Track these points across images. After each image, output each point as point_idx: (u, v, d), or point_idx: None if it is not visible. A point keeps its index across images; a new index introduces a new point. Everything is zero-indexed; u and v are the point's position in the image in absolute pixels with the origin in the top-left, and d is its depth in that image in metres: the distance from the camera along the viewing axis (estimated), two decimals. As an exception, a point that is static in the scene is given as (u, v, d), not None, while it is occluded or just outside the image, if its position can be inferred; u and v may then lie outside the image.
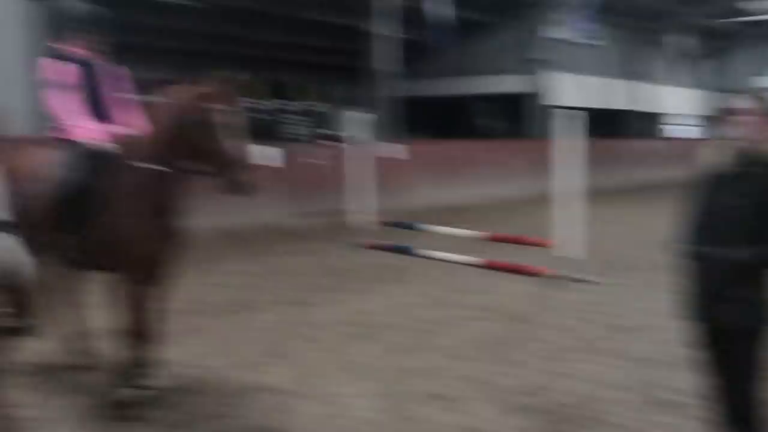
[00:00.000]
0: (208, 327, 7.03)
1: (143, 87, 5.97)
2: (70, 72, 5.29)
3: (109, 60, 5.54)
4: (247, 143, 4.83)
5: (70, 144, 5.18)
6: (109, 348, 5.18)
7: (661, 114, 35.82)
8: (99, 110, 5.36)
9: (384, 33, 20.78)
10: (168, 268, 5.09)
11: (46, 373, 5.54)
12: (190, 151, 4.87)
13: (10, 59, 12.24)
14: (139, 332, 4.95)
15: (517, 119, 27.03)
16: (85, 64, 5.36)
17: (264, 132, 20.81)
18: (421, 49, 24.36)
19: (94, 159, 5.08)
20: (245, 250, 11.42)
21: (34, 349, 5.06)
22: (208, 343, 6.52)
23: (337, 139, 15.83)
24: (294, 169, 14.51)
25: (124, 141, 5.16)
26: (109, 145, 5.13)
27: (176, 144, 4.90)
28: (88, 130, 5.20)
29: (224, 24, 22.05)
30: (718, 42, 36.39)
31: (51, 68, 5.26)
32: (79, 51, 5.40)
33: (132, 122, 5.41)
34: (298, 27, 23.24)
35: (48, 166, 5.18)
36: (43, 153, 5.33)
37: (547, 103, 25.19)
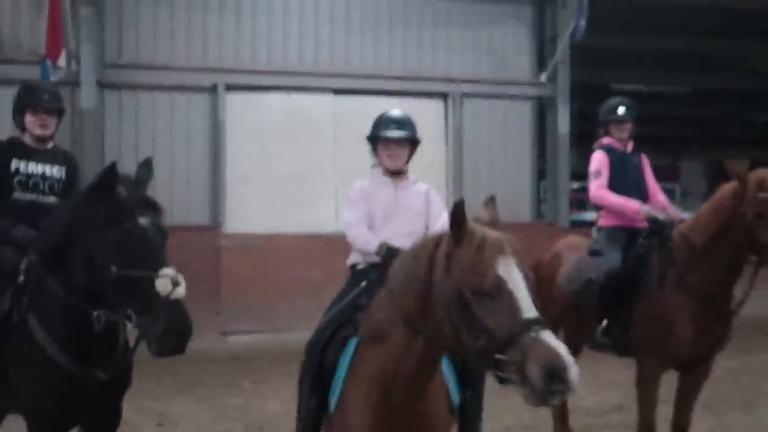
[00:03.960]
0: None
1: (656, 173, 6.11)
2: (601, 159, 5.59)
3: (632, 147, 5.79)
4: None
5: (615, 229, 5.42)
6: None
7: None
8: (632, 195, 5.54)
9: None
10: (707, 356, 4.94)
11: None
12: (741, 238, 4.80)
13: (520, 150, 13.13)
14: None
15: None
16: (614, 152, 5.64)
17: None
18: None
19: (644, 239, 5.18)
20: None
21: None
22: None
23: None
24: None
25: (671, 223, 5.27)
26: (664, 225, 5.25)
27: (728, 231, 4.84)
28: (632, 213, 5.39)
29: (712, 106, 21.21)
30: None
31: (594, 159, 5.64)
32: (609, 141, 5.71)
33: (661, 206, 5.53)
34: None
35: (587, 251, 5.48)
36: (580, 240, 5.71)
37: None
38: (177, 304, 3.31)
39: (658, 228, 5.22)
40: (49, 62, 9.70)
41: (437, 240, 3.08)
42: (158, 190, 11.69)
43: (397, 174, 4.33)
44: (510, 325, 2.69)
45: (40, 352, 3.65)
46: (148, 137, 11.36)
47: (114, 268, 3.36)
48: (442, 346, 3.07)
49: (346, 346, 3.53)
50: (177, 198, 11.27)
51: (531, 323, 2.67)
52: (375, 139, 4.33)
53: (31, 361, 3.68)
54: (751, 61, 17.73)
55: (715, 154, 24.04)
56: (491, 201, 3.19)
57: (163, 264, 3.37)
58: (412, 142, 4.36)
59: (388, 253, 3.83)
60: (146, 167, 3.74)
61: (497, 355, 2.68)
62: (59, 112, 4.46)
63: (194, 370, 8.63)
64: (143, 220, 3.47)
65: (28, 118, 4.32)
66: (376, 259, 3.99)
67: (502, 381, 2.72)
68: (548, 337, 2.65)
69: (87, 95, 10.76)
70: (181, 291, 3.32)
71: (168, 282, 3.29)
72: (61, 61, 9.86)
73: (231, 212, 11.64)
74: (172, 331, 3.28)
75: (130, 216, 3.45)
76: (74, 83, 10.63)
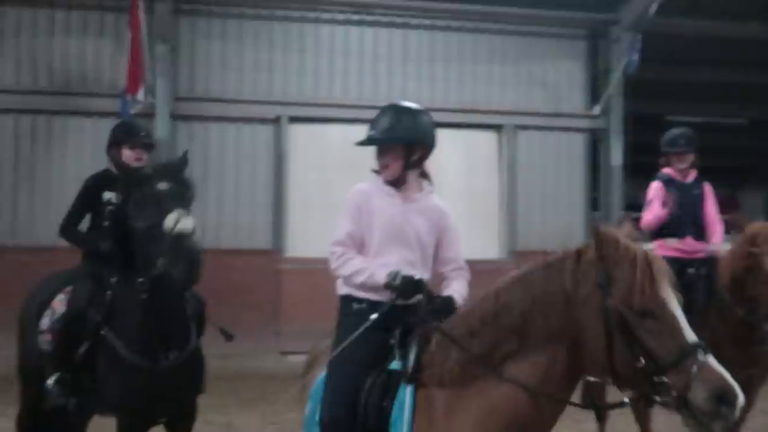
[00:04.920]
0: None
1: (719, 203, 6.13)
2: (657, 189, 5.70)
3: (697, 177, 5.84)
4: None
5: (667, 259, 5.55)
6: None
7: None
8: (690, 226, 5.65)
9: None
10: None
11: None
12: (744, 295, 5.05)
13: (573, 181, 13.27)
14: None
15: None
16: (673, 183, 5.73)
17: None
18: None
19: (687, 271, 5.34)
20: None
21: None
22: None
23: None
24: None
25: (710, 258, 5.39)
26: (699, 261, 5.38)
27: (736, 286, 5.10)
28: (676, 247, 5.54)
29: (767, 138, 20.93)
30: None
31: (651, 189, 5.76)
32: (668, 171, 5.82)
33: (718, 239, 5.63)
34: None
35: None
36: None
37: None
38: (180, 237, 3.75)
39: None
40: (129, 96, 10.32)
41: (573, 257, 2.84)
42: (224, 214, 12.23)
43: (400, 183, 3.46)
44: (675, 348, 2.59)
45: (115, 353, 4.13)
46: (216, 165, 11.91)
47: (139, 224, 3.93)
48: (585, 367, 2.82)
49: (398, 398, 3.06)
50: (242, 223, 11.80)
51: (696, 347, 2.58)
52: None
53: (111, 363, 4.14)
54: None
55: (775, 186, 23.69)
56: (624, 219, 3.08)
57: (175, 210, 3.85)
58: (407, 144, 3.41)
59: (411, 286, 3.18)
60: (183, 157, 4.38)
61: (657, 378, 2.58)
62: (152, 147, 4.99)
63: (256, 387, 9.00)
64: (161, 185, 4.02)
65: (126, 153, 4.82)
66: (368, 293, 3.31)
67: (654, 403, 2.65)
68: (713, 361, 2.58)
69: (161, 126, 11.36)
70: (184, 225, 3.78)
71: (172, 219, 3.77)
72: (140, 96, 10.47)
73: (292, 238, 12.09)
74: (178, 259, 3.73)
75: (148, 182, 4.03)
76: (149, 114, 11.22)
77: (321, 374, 3.41)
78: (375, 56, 12.60)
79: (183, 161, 4.32)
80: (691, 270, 5.46)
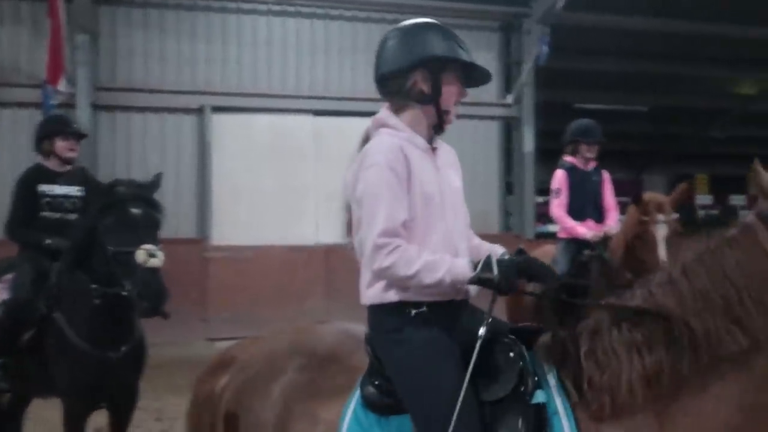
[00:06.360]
0: None
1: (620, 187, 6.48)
2: (564, 178, 6.02)
3: (597, 165, 6.18)
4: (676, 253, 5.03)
5: (568, 241, 5.88)
6: None
7: None
8: (589, 211, 5.99)
9: None
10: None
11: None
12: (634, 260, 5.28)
13: (489, 167, 13.66)
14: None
15: None
16: (576, 171, 6.06)
17: (710, 229, 19.82)
18: None
19: (584, 253, 5.67)
20: None
21: None
22: None
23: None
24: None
25: (604, 239, 5.70)
26: (595, 242, 5.68)
27: (627, 252, 5.36)
28: (577, 229, 5.86)
29: (672, 124, 21.94)
30: None
31: (556, 178, 6.08)
32: (571, 159, 6.15)
33: (613, 222, 5.97)
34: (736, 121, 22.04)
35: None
36: (553, 248, 6.15)
37: None
38: (152, 272, 3.90)
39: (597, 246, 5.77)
40: (50, 87, 10.09)
41: (752, 229, 2.23)
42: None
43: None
44: None
45: (65, 338, 4.22)
46: (139, 156, 11.77)
47: (110, 248, 4.00)
48: None
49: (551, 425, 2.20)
50: (167, 213, 11.68)
51: None
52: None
53: (61, 348, 4.23)
54: (703, 82, 18.49)
55: (676, 168, 24.85)
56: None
57: (147, 242, 3.99)
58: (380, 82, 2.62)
59: (514, 272, 2.27)
60: (156, 177, 4.49)
61: None
62: (84, 137, 5.06)
63: (185, 373, 9.00)
64: (134, 210, 4.10)
65: (60, 144, 4.87)
66: (422, 294, 2.36)
67: None
68: None
69: (82, 117, 11.09)
70: (156, 261, 3.93)
71: (144, 253, 3.91)
72: (61, 86, 10.25)
73: (218, 226, 12.09)
74: (146, 293, 3.89)
75: (122, 205, 4.11)
76: (70, 105, 10.95)
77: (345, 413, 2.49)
78: (298, 47, 12.65)
79: (156, 183, 4.44)
80: (587, 251, 5.81)
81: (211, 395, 2.95)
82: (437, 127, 2.55)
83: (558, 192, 6.10)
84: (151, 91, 11.89)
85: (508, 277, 2.25)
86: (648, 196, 5.44)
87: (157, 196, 4.42)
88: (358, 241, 2.44)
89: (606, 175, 6.32)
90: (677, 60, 16.52)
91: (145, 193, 4.31)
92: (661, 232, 5.16)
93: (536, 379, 2.27)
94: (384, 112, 2.58)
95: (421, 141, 2.51)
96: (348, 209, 2.50)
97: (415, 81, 2.51)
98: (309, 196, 12.38)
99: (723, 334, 2.09)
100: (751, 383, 2.09)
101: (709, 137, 23.21)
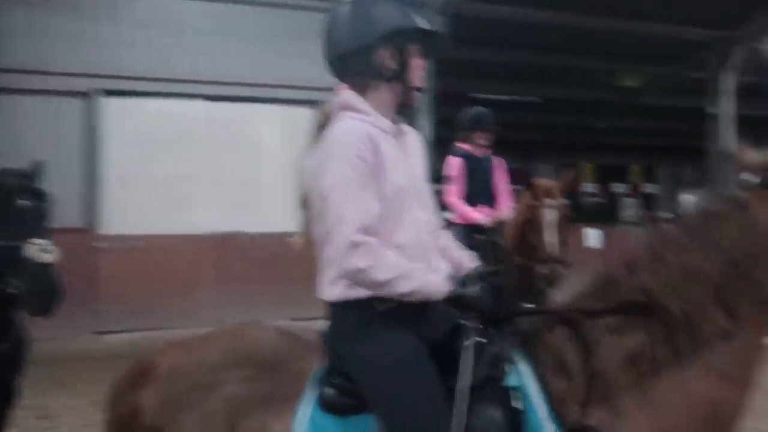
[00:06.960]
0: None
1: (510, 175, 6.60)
2: (458, 165, 6.09)
3: (490, 153, 6.29)
4: (565, 236, 5.14)
5: (463, 226, 5.94)
6: None
7: None
8: (482, 197, 6.08)
9: (720, 112, 19.68)
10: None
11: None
12: (525, 244, 5.42)
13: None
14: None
15: None
16: (470, 158, 6.13)
17: (594, 215, 20.69)
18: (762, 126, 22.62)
19: (477, 238, 5.73)
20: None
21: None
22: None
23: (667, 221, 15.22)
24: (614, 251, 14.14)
25: (497, 224, 5.82)
26: (488, 227, 5.78)
27: (518, 236, 5.48)
28: (471, 215, 5.94)
29: (561, 115, 22.67)
30: None
31: (451, 165, 6.14)
32: (465, 146, 6.21)
33: (506, 207, 6.09)
34: (632, 111, 23.01)
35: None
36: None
37: None
38: (43, 267, 3.66)
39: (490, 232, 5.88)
40: None
41: (740, 205, 2.25)
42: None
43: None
44: None
45: None
46: (24, 140, 11.11)
47: None
48: None
49: None
50: (53, 202, 11.11)
51: None
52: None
53: None
54: (590, 75, 19.17)
55: (564, 158, 25.74)
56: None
57: (37, 236, 3.74)
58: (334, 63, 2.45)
59: (490, 293, 2.25)
60: (38, 165, 4.26)
61: None
62: None
63: (72, 368, 8.63)
64: (21, 202, 3.86)
65: None
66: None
67: None
68: None
69: (-42, 99, 10.44)
70: (48, 257, 3.68)
71: (35, 249, 3.66)
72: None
73: (108, 215, 11.59)
74: (36, 289, 3.63)
75: (8, 197, 3.84)
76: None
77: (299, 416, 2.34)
78: (194, 30, 12.21)
79: (36, 171, 4.22)
80: (479, 236, 5.91)
81: (136, 413, 2.56)
82: (403, 107, 2.41)
83: (452, 179, 6.16)
84: (35, 72, 11.22)
85: (486, 300, 2.23)
86: (538, 182, 5.57)
87: (42, 184, 4.15)
88: (320, 236, 2.27)
89: (498, 162, 6.44)
90: (567, 52, 17.04)
91: (30, 183, 4.08)
92: (550, 216, 5.28)
93: (509, 363, 2.23)
94: (347, 93, 2.39)
95: (388, 125, 2.35)
96: (304, 202, 2.35)
97: (382, 57, 2.34)
98: (202, 184, 12.05)
99: (707, 313, 2.13)
100: (735, 356, 2.15)
101: (595, 128, 24.18)
